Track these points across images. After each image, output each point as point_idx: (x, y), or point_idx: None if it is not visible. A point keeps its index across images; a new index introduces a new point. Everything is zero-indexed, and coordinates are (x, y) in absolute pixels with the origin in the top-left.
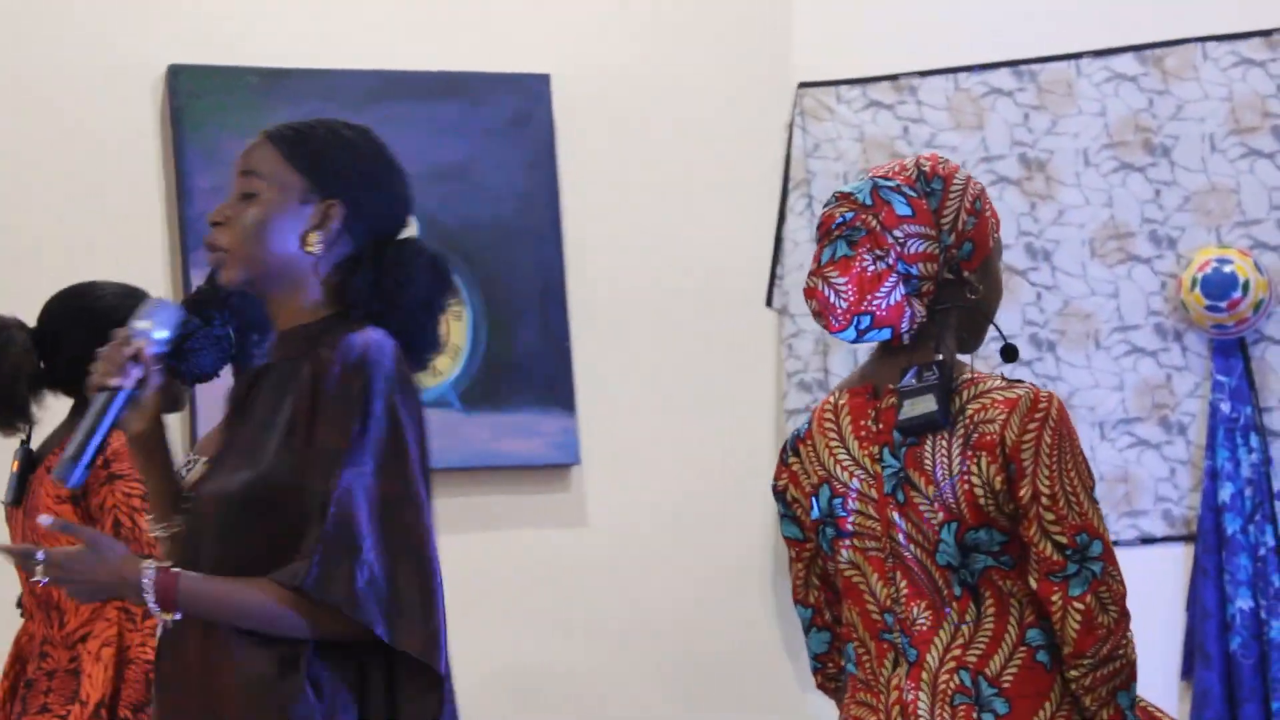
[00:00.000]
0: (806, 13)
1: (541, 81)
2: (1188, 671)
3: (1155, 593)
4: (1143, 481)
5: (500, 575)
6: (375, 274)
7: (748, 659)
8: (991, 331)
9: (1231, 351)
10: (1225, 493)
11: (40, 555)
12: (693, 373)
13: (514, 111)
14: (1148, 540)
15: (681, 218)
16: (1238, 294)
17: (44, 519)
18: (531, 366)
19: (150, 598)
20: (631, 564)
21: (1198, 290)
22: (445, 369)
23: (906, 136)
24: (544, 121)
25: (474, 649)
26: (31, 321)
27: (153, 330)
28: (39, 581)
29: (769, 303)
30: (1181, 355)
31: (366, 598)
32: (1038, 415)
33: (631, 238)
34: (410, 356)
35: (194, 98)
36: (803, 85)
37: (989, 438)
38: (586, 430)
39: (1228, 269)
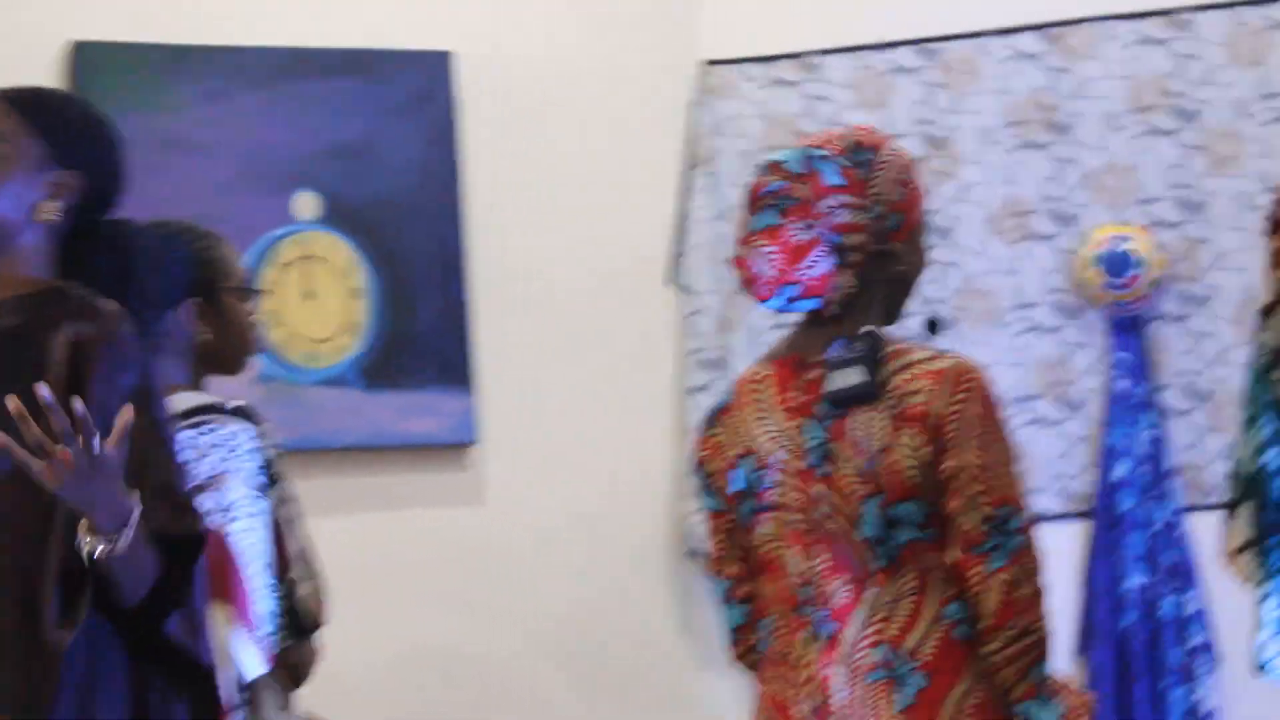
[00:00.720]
0: None
1: (443, 59)
2: (1082, 648)
3: (1050, 569)
4: (1040, 459)
5: (401, 555)
6: (107, 249)
7: (645, 638)
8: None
9: (1129, 329)
10: (1121, 470)
11: (97, 445)
12: (594, 351)
13: (415, 89)
14: (1044, 517)
15: (584, 195)
16: (1136, 271)
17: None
18: (432, 344)
19: (124, 536)
20: (531, 544)
21: (1097, 267)
22: (346, 347)
23: (810, 115)
24: (445, 99)
25: (375, 629)
26: None
27: None
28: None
29: (671, 280)
30: (1080, 332)
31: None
32: (965, 386)
33: (534, 215)
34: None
35: (97, 74)
36: (708, 63)
37: (917, 409)
38: (486, 409)
39: (1126, 246)
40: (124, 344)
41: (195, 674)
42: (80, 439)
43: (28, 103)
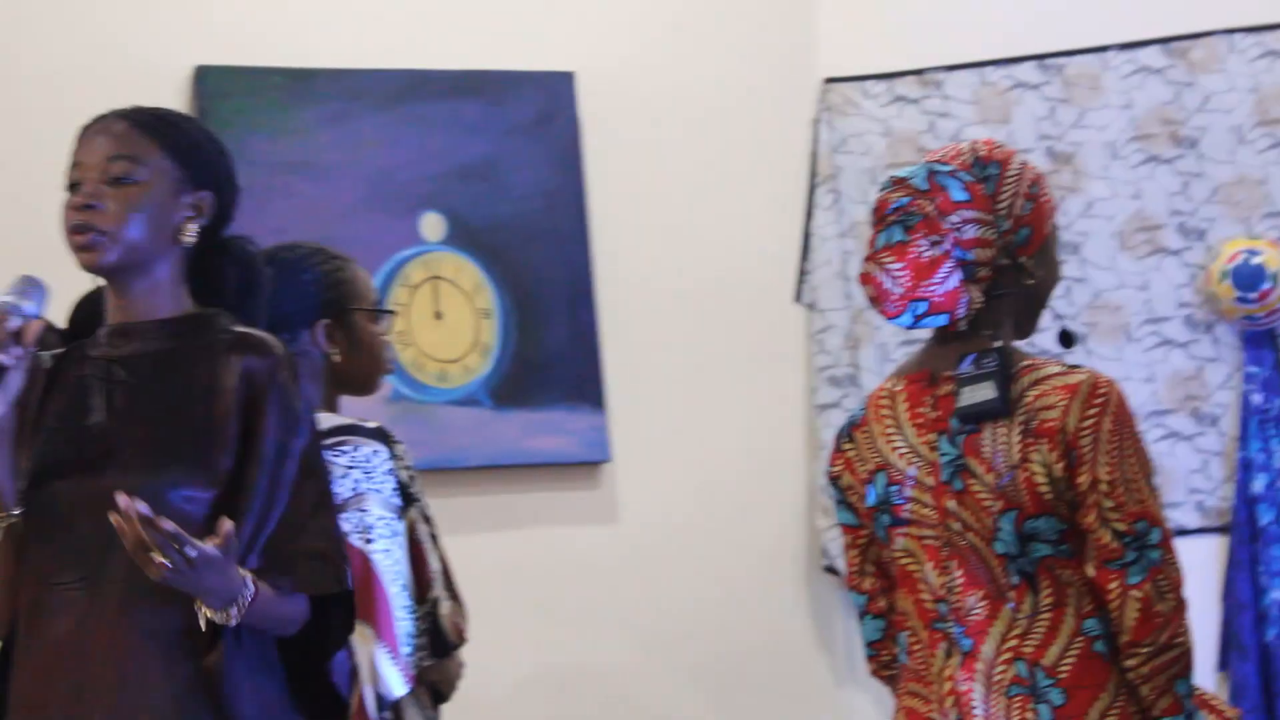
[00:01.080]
0: (831, 8)
1: (566, 79)
2: (1224, 664)
3: (1190, 585)
4: (1175, 473)
5: (531, 573)
6: (236, 269)
7: (780, 653)
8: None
9: (1262, 343)
10: (1258, 484)
11: (192, 551)
12: (722, 369)
13: (539, 110)
14: (1182, 532)
15: (708, 214)
16: (1268, 285)
17: (226, 526)
18: (561, 364)
19: (235, 610)
20: (663, 560)
21: (1227, 281)
22: (476, 367)
23: (932, 131)
24: (569, 119)
25: (505, 648)
26: None
27: (25, 307)
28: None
29: (797, 298)
30: (1212, 347)
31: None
32: (1098, 401)
33: (659, 234)
34: None
35: (220, 99)
36: (828, 81)
37: (1049, 424)
38: (616, 427)
39: (1257, 260)
40: (294, 393)
41: (336, 706)
42: (176, 547)
43: (158, 125)
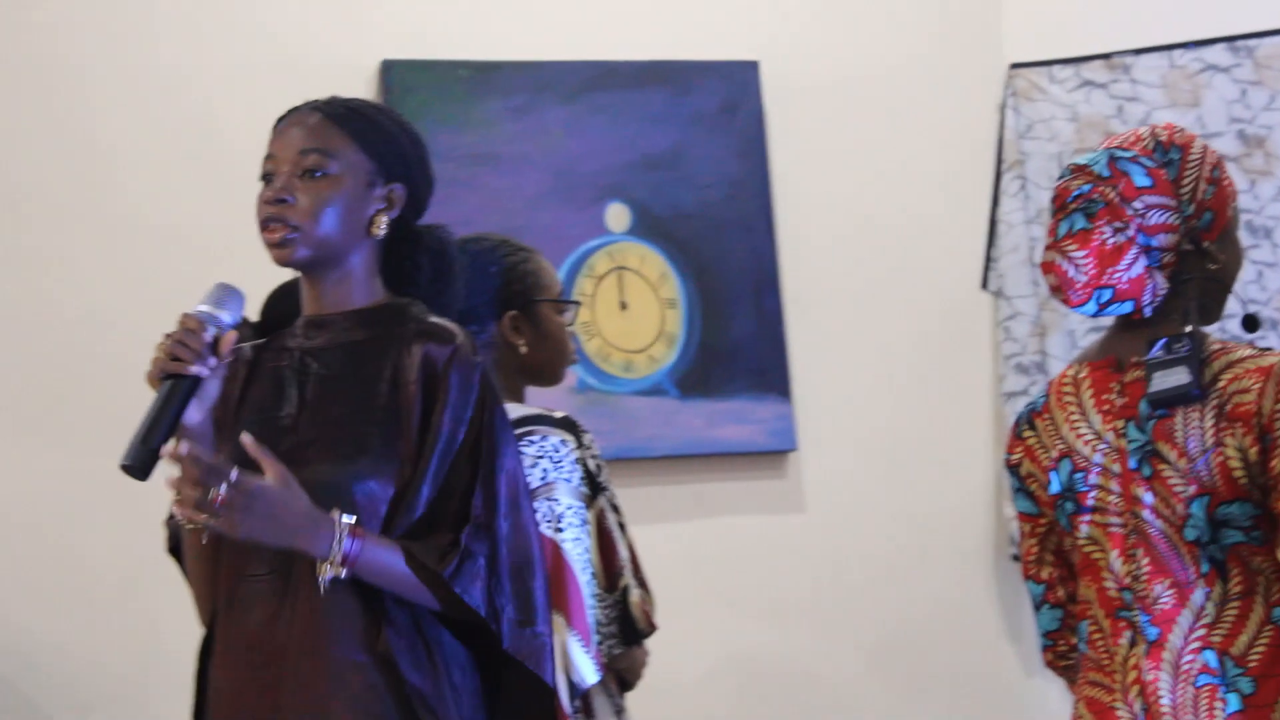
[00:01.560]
0: None
1: (750, 69)
2: None
3: None
4: None
5: (717, 562)
6: (429, 258)
7: (968, 643)
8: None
9: None
10: None
11: (234, 475)
12: (908, 357)
13: (723, 99)
14: None
15: (893, 201)
16: None
17: (244, 437)
18: (746, 353)
19: (338, 547)
20: (849, 549)
21: None
22: (661, 357)
23: (1121, 115)
24: (753, 108)
25: (692, 637)
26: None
27: (222, 317)
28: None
29: (984, 285)
30: None
31: (496, 601)
32: None
33: (844, 222)
34: None
35: (406, 92)
36: (1014, 66)
37: (1244, 408)
38: (803, 416)
39: None
40: (469, 379)
41: (540, 691)
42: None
43: (350, 117)
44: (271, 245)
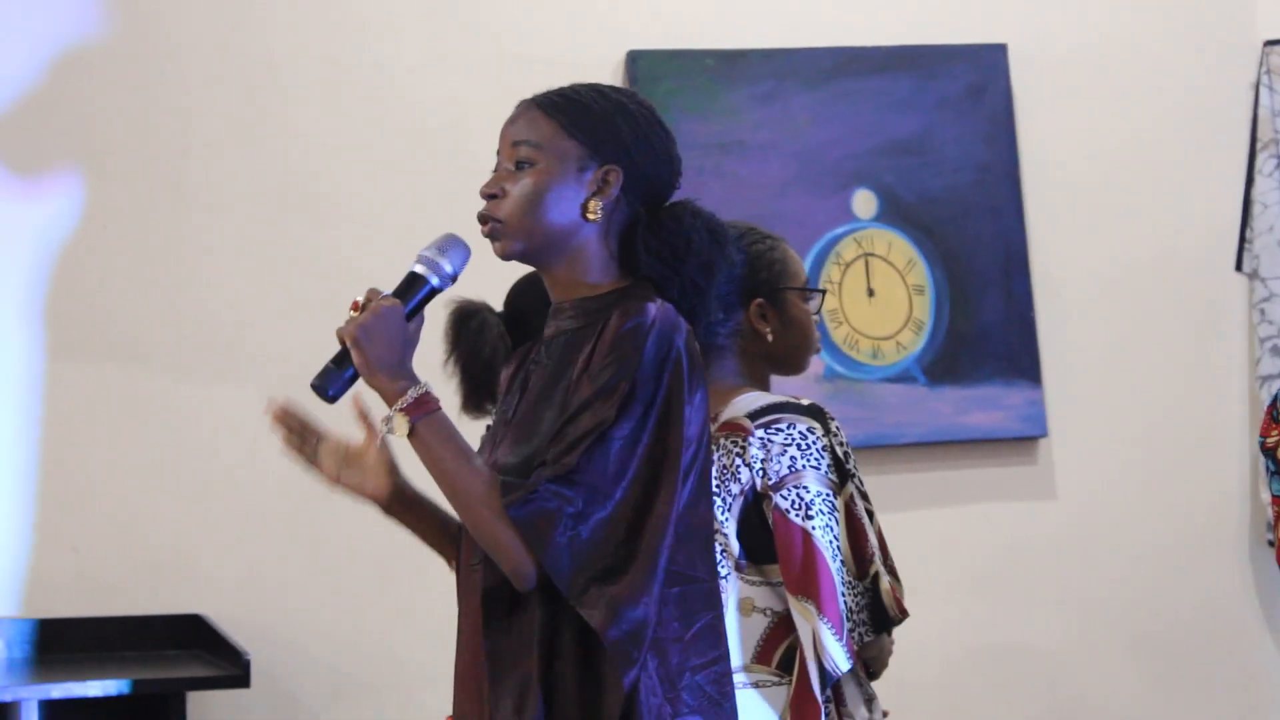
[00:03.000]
0: None
1: (998, 51)
2: None
3: None
4: None
5: (968, 550)
6: (657, 239)
7: (1222, 630)
8: None
9: None
10: None
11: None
12: (1161, 340)
13: (970, 83)
14: None
15: (1145, 182)
16: None
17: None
18: (995, 338)
19: (404, 400)
20: (1101, 536)
21: None
22: (909, 343)
23: None
24: (1001, 92)
25: (942, 625)
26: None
27: (442, 265)
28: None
29: (1239, 267)
30: None
31: (561, 549)
32: None
33: (1094, 204)
34: (693, 325)
35: (653, 82)
36: (1268, 43)
37: None
38: (1053, 401)
39: None
40: (629, 340)
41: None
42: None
43: (561, 105)
44: (489, 240)
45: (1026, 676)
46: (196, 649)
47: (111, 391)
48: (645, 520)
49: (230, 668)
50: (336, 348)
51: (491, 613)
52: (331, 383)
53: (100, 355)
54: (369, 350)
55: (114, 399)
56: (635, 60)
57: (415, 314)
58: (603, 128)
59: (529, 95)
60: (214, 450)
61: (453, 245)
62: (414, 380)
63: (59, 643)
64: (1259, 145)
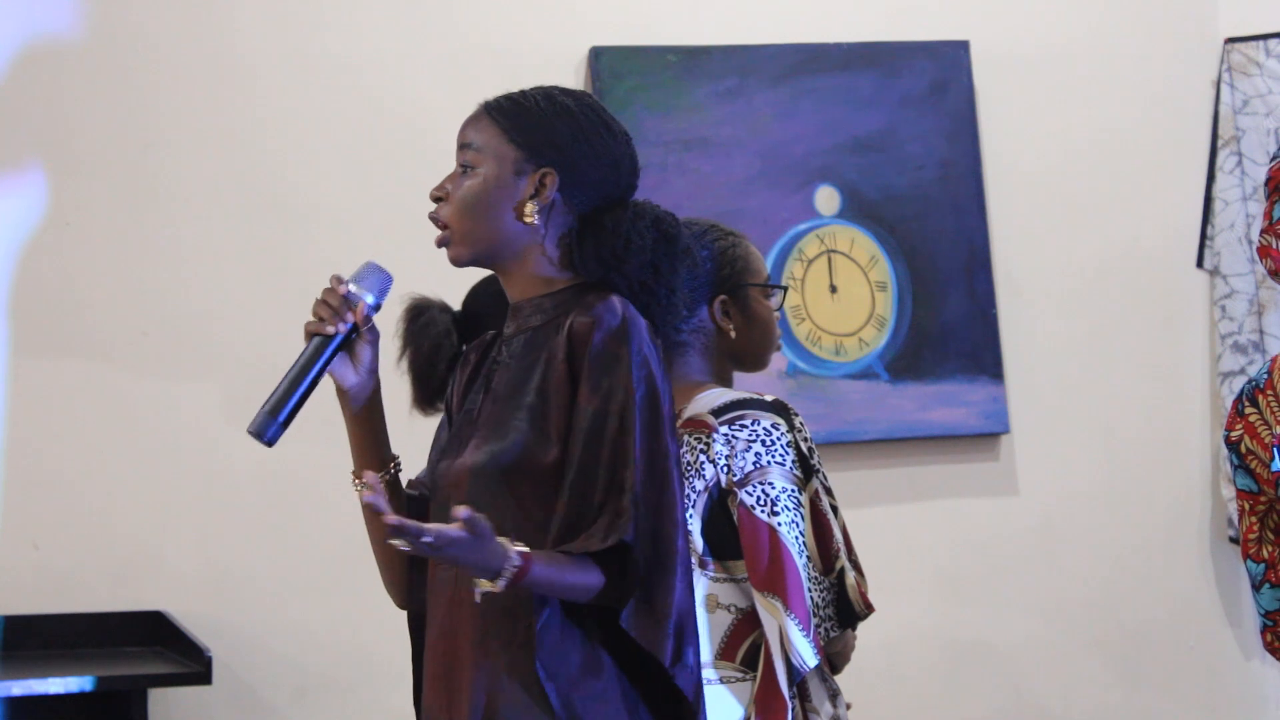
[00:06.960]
0: None
1: (960, 48)
2: None
3: None
4: None
5: (930, 546)
6: (594, 241)
7: (1185, 626)
8: None
9: None
10: None
11: (428, 537)
12: (1122, 337)
13: (933, 80)
14: None
15: (1107, 180)
16: None
17: (461, 511)
18: (958, 335)
19: (503, 581)
20: (1063, 532)
21: None
22: (871, 340)
23: None
24: (964, 89)
25: (905, 621)
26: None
27: (361, 294)
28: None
29: (1200, 264)
30: None
31: (666, 637)
32: None
33: (1056, 201)
34: (651, 322)
35: (616, 78)
36: (1229, 41)
37: None
38: (1015, 398)
39: None
40: (610, 354)
41: (658, 672)
42: (414, 537)
43: (503, 108)
44: (438, 245)
45: (988, 670)
46: (158, 646)
47: (74, 387)
48: (664, 522)
49: (192, 665)
50: (301, 344)
51: (490, 619)
52: (267, 429)
53: (63, 351)
54: (462, 565)
55: (76, 394)
56: (598, 56)
57: (334, 358)
58: (540, 131)
59: (492, 91)
60: (177, 446)
61: (372, 275)
62: (504, 561)
63: (20, 640)
64: (1220, 142)
